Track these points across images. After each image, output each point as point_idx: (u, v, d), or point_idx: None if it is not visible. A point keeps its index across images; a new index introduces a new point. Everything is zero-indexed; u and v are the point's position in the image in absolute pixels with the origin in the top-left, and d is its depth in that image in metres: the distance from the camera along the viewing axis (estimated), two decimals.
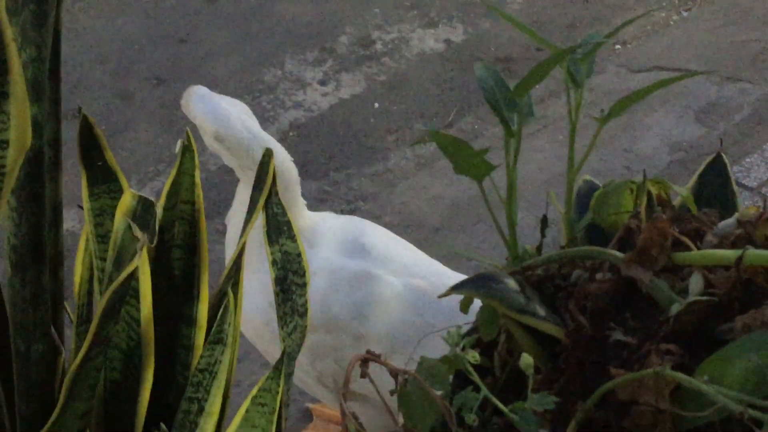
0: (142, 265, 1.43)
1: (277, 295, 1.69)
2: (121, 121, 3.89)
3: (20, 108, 1.11)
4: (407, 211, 3.48)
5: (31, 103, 1.41)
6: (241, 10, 4.37)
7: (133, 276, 1.36)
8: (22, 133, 1.12)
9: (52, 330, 1.53)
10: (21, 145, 1.12)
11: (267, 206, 1.69)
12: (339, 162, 3.70)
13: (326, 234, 2.28)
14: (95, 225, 1.39)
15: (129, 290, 1.21)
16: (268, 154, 1.68)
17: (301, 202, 2.27)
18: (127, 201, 1.24)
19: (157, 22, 4.31)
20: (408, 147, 3.73)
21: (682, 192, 1.11)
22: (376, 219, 3.33)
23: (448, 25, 4.24)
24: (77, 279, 1.52)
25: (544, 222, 1.18)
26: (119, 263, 1.22)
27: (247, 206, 2.21)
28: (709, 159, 1.27)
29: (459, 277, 2.21)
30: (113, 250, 1.24)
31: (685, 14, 4.23)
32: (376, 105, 3.91)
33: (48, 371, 1.51)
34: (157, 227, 1.43)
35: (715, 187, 1.24)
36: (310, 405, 2.82)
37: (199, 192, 1.50)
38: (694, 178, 1.27)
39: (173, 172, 1.47)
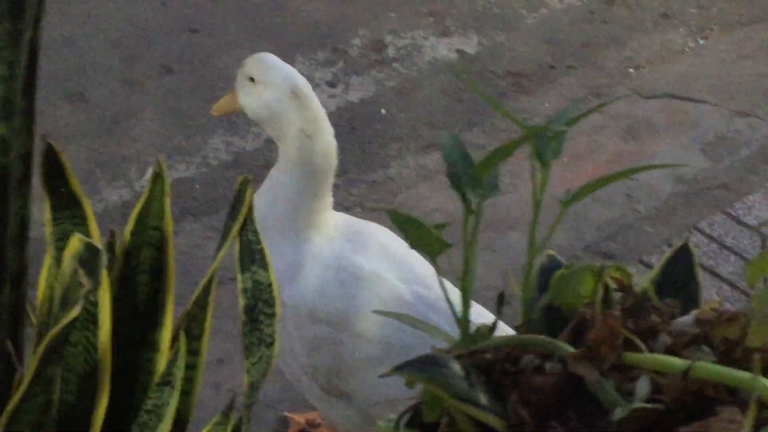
0: (102, 293, 1.41)
1: (244, 324, 1.67)
2: (127, 108, 3.87)
3: None
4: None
5: (0, 121, 1.39)
6: (256, 4, 4.34)
7: (89, 304, 1.35)
8: None
9: (9, 347, 1.52)
10: None
11: (242, 233, 1.67)
12: (340, 166, 3.66)
13: (346, 232, 2.31)
14: (56, 249, 1.37)
15: (70, 332, 1.19)
16: (244, 182, 1.66)
17: (330, 195, 2.30)
18: (75, 244, 1.22)
19: (170, 10, 4.28)
20: (411, 157, 3.71)
21: (642, 282, 1.08)
22: None
23: (462, 35, 4.21)
24: (39, 297, 1.50)
25: (500, 300, 1.15)
26: (65, 303, 1.20)
27: (276, 191, 2.26)
28: (676, 247, 1.24)
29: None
30: (61, 288, 1.23)
31: (701, 42, 4.18)
32: (383, 111, 3.88)
33: (1, 389, 1.49)
34: (121, 253, 1.41)
35: (681, 276, 1.21)
36: (288, 414, 2.82)
37: (169, 219, 1.49)
38: (660, 265, 1.24)
39: (143, 198, 1.45)
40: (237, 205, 1.67)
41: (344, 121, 3.84)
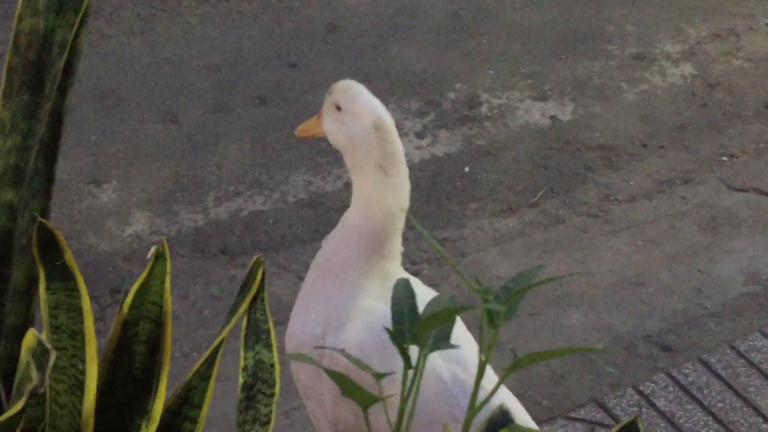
0: (90, 363, 1.44)
1: (240, 401, 1.68)
2: (216, 134, 3.92)
3: None
4: (467, 288, 3.43)
5: (9, 188, 1.43)
6: (358, 45, 4.36)
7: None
8: None
9: (2, 397, 1.55)
10: None
11: (250, 311, 1.68)
12: (415, 220, 3.66)
13: None
14: (50, 316, 1.40)
15: (18, 423, 1.22)
16: (257, 262, 1.67)
17: (399, 244, 2.29)
18: (30, 339, 1.25)
19: (274, 41, 4.33)
20: (487, 219, 3.69)
21: None
22: (434, 287, 3.30)
23: (558, 101, 4.17)
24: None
25: None
26: (19, 391, 1.23)
27: (346, 234, 2.26)
28: (623, 422, 1.21)
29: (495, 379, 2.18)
30: (19, 373, 1.26)
31: None
32: (467, 169, 3.87)
33: None
34: (118, 323, 1.43)
35: None
36: None
37: (168, 297, 1.50)
38: None
39: (144, 274, 1.48)
40: (247, 283, 1.68)
41: (427, 174, 3.84)
